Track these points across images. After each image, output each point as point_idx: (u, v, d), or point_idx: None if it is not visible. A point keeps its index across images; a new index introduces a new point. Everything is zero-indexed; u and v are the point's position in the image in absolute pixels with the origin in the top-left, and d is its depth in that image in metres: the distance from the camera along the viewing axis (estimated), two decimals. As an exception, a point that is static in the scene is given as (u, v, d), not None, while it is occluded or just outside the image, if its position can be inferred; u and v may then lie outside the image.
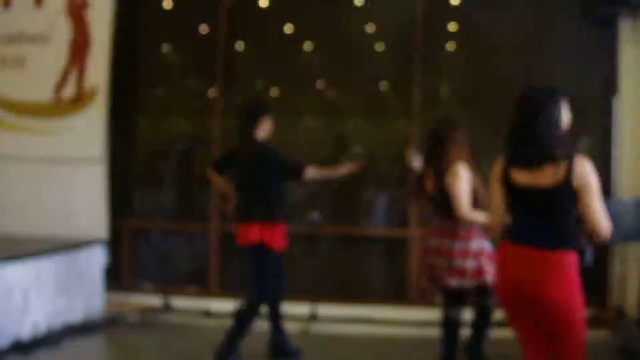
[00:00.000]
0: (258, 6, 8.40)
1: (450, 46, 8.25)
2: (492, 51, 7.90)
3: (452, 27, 8.21)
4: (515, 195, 3.81)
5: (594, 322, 6.18)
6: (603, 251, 5.42)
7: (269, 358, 6.23)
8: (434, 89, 8.20)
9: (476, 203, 5.37)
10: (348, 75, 8.23)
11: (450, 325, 5.60)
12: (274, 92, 8.48)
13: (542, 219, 3.73)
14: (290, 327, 6.59)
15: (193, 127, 8.62)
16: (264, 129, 6.14)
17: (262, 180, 6.04)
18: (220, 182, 6.43)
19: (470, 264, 5.39)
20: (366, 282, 8.12)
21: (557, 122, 3.76)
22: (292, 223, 6.58)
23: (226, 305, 7.68)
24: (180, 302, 7.98)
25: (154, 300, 7.95)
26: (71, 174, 7.71)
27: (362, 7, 8.24)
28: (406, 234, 7.96)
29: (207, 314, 7.81)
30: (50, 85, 7.88)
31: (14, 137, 7.89)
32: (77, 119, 7.85)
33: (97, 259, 7.57)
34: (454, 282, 5.41)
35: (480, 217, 5.23)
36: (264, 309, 6.13)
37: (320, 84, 8.52)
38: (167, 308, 7.89)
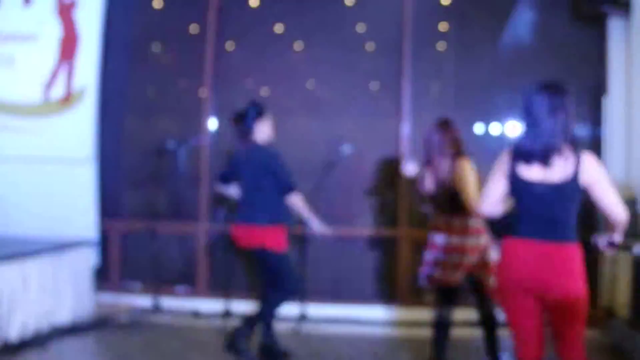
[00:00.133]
0: (248, 5, 8.39)
1: (440, 46, 8.24)
2: (482, 51, 7.90)
3: (442, 26, 8.20)
4: (524, 191, 3.84)
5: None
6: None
7: (258, 359, 6.21)
8: (425, 89, 8.18)
9: None
10: (338, 75, 8.22)
11: (442, 325, 5.59)
12: (264, 91, 8.45)
13: (551, 213, 3.80)
14: (280, 327, 6.59)
15: (183, 127, 8.58)
16: (263, 132, 6.12)
17: (262, 183, 6.02)
18: (230, 193, 6.42)
19: (477, 259, 5.45)
20: (355, 282, 8.10)
21: (568, 117, 3.81)
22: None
23: (215, 306, 7.69)
24: (169, 302, 7.96)
25: (143, 301, 7.93)
26: (60, 174, 7.69)
27: (352, 6, 8.22)
28: (395, 234, 7.95)
29: (197, 314, 7.79)
30: (39, 84, 7.86)
31: (1, 137, 7.85)
32: (65, 118, 7.83)
33: (86, 259, 7.54)
34: (460, 276, 5.42)
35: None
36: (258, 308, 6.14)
37: (310, 84, 8.50)
38: (157, 308, 7.86)
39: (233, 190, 6.36)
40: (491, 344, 5.60)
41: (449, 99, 8.11)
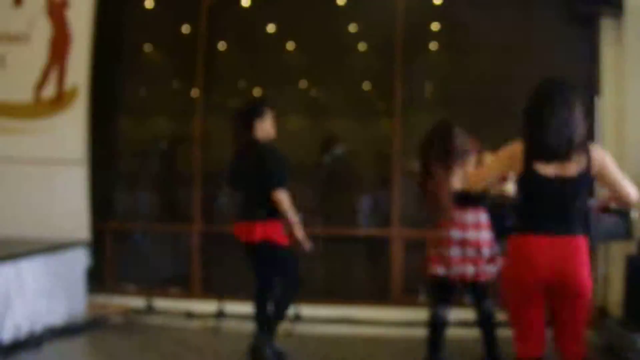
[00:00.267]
0: (240, 5, 8.37)
1: (432, 45, 8.25)
2: (475, 50, 7.91)
3: (434, 26, 8.21)
4: (541, 187, 3.87)
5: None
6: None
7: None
8: (417, 88, 8.19)
9: None
10: (331, 75, 8.23)
11: (438, 325, 5.57)
12: (257, 91, 8.45)
13: (564, 207, 3.87)
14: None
15: (175, 127, 8.57)
16: (263, 129, 6.10)
17: (262, 179, 5.99)
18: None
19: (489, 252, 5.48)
20: (349, 282, 8.10)
21: (582, 114, 3.85)
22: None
23: (208, 307, 7.67)
24: (162, 303, 7.93)
25: (137, 302, 7.90)
26: (52, 174, 7.65)
27: (344, 6, 8.22)
28: (388, 234, 7.95)
29: (190, 315, 7.78)
30: (30, 85, 7.82)
31: (-7, 138, 7.83)
32: (57, 119, 7.79)
33: (79, 260, 7.51)
34: (471, 270, 5.42)
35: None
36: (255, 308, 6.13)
37: (302, 84, 8.50)
38: (150, 309, 7.84)
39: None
40: (490, 344, 5.58)
41: (442, 98, 8.12)
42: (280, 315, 6.16)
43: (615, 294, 6.91)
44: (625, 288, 6.43)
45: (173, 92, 8.63)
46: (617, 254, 6.99)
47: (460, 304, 6.06)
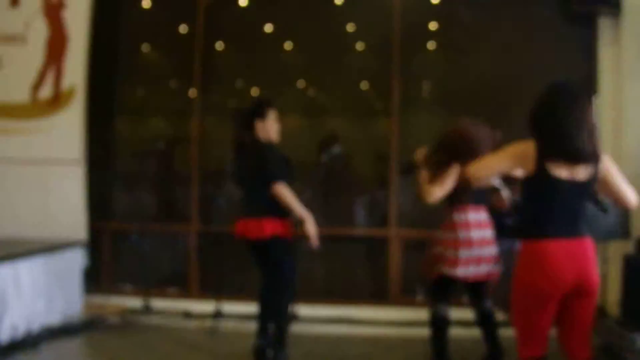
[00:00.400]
0: (237, 5, 8.36)
1: (430, 45, 8.25)
2: (472, 50, 7.91)
3: (432, 25, 8.21)
4: (556, 190, 3.88)
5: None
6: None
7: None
8: (415, 88, 8.18)
9: None
10: (328, 75, 8.22)
11: (442, 323, 5.53)
12: (254, 91, 8.44)
13: (576, 210, 3.92)
14: (271, 327, 6.55)
15: (172, 127, 8.56)
16: (263, 129, 6.06)
17: (263, 176, 5.97)
18: None
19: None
20: (347, 282, 8.10)
21: (595, 118, 3.96)
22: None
23: (206, 307, 7.66)
24: (160, 303, 7.92)
25: (134, 302, 7.89)
26: (50, 175, 7.65)
27: (342, 6, 8.22)
28: (386, 234, 7.95)
29: (188, 315, 7.77)
30: (27, 85, 7.82)
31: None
32: (54, 119, 7.78)
33: (76, 260, 7.51)
34: (477, 269, 5.41)
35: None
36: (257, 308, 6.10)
37: (300, 83, 8.49)
38: (147, 310, 7.83)
39: None
40: (492, 341, 5.56)
41: (439, 98, 8.12)
42: (281, 318, 6.07)
43: (613, 294, 6.90)
44: (623, 288, 6.42)
45: (170, 92, 8.62)
46: (614, 253, 6.99)
47: (460, 304, 6.04)
